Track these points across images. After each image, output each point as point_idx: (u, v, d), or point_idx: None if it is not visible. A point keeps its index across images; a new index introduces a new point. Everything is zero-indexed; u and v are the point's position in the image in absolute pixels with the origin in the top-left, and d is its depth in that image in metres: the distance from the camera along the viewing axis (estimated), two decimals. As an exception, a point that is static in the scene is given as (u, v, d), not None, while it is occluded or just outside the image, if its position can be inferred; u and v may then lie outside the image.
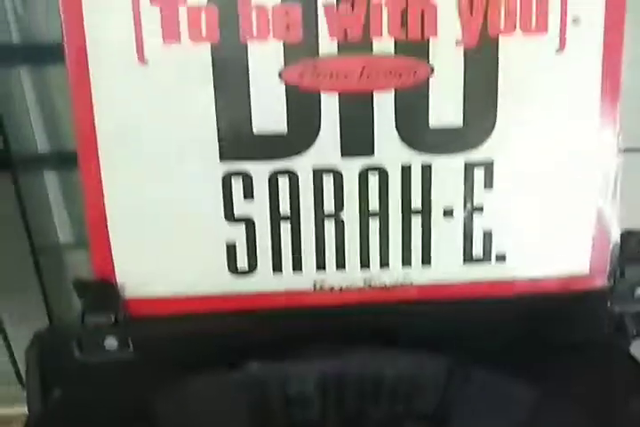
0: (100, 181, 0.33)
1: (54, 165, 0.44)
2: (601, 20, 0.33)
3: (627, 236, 0.36)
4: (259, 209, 0.34)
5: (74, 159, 0.42)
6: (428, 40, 0.32)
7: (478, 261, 0.36)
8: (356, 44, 0.32)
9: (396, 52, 0.32)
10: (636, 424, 0.32)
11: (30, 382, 0.34)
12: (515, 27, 0.32)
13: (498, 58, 0.33)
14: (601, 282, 0.37)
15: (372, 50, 0.32)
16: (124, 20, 0.31)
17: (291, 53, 0.32)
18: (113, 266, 0.34)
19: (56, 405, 0.34)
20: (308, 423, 0.33)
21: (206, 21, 0.31)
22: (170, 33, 0.31)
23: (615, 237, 0.36)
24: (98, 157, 0.32)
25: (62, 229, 0.46)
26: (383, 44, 0.32)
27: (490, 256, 0.36)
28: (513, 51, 0.33)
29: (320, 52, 0.32)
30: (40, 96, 0.41)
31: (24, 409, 0.35)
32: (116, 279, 0.34)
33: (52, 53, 0.39)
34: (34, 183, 0.43)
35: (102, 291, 0.34)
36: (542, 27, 0.32)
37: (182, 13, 0.30)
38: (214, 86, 0.32)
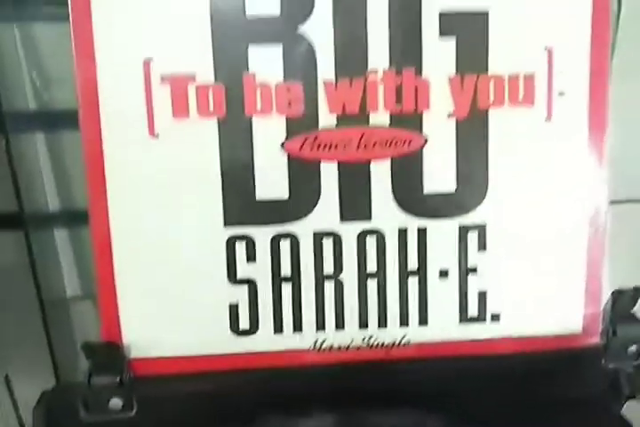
0: (110, 247, 0.34)
1: (64, 222, 0.46)
2: (586, 92, 0.35)
3: (617, 294, 0.37)
4: (261, 271, 0.35)
5: (82, 218, 0.44)
6: (422, 113, 0.34)
7: (474, 320, 0.37)
8: (354, 118, 0.34)
9: (391, 125, 0.34)
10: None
11: None
12: (504, 100, 0.35)
13: (488, 129, 0.35)
14: (594, 340, 0.38)
15: (368, 122, 0.34)
16: (137, 96, 0.33)
17: (292, 126, 0.34)
18: (120, 328, 0.35)
19: None
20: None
21: (214, 98, 0.33)
22: (179, 109, 0.33)
23: (606, 295, 0.38)
24: (108, 222, 0.34)
25: (70, 282, 0.48)
26: (379, 117, 0.34)
27: (485, 316, 0.37)
28: (502, 122, 0.35)
29: (320, 124, 0.34)
30: (53, 159, 0.43)
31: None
32: (122, 341, 0.35)
33: (65, 120, 0.42)
34: (44, 240, 0.45)
35: (109, 353, 0.35)
36: (530, 99, 0.35)
37: (191, 91, 0.33)
38: (220, 157, 0.34)
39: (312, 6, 0.33)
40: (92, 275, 0.47)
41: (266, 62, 0.33)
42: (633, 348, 0.38)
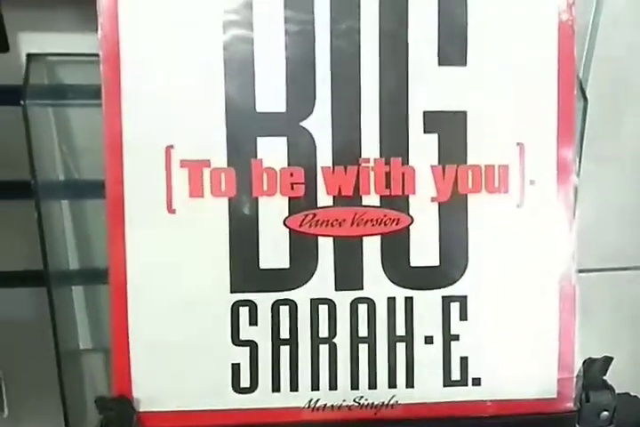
0: (126, 308, 0.39)
1: (81, 281, 0.52)
2: (553, 181, 0.41)
3: (589, 363, 0.42)
4: (262, 334, 0.40)
5: (97, 277, 0.50)
6: (408, 196, 0.40)
7: (456, 383, 0.41)
8: (348, 199, 0.39)
9: (381, 206, 0.40)
10: None
11: None
12: (481, 187, 0.40)
13: (467, 211, 0.40)
14: (568, 405, 0.42)
15: (361, 203, 0.39)
16: (159, 177, 0.38)
17: (294, 205, 0.39)
18: (131, 384, 0.39)
19: None
20: None
21: (225, 180, 0.39)
22: (195, 189, 0.38)
23: (578, 364, 0.42)
24: (126, 286, 0.39)
25: (82, 336, 0.53)
26: (371, 199, 0.40)
27: (466, 380, 0.41)
28: (480, 206, 0.40)
29: (318, 204, 0.39)
30: (76, 225, 0.49)
31: None
32: (132, 395, 0.39)
33: (88, 190, 0.48)
34: (62, 296, 0.50)
35: (120, 406, 0.39)
36: (504, 187, 0.40)
37: (206, 174, 0.39)
38: (229, 232, 0.39)
39: (313, 105, 0.39)
40: (103, 330, 0.53)
41: (272, 151, 0.39)
42: (605, 414, 0.42)
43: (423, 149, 0.40)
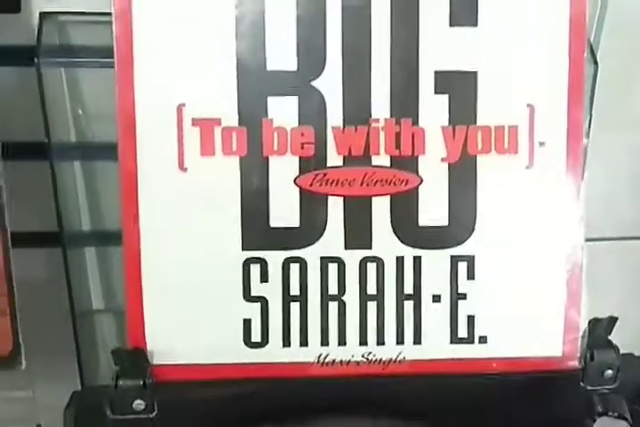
0: (139, 264, 0.41)
1: (93, 242, 0.54)
2: (563, 143, 0.42)
3: (594, 323, 0.44)
4: (272, 290, 0.42)
5: (109, 238, 0.52)
6: (418, 157, 0.41)
7: (463, 341, 0.43)
8: (358, 159, 0.41)
9: (391, 166, 0.41)
10: None
11: None
12: (490, 148, 0.42)
13: (476, 172, 0.42)
14: (573, 364, 0.44)
15: (371, 163, 0.41)
16: (170, 136, 0.40)
17: (304, 165, 0.41)
18: (145, 338, 0.42)
19: None
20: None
21: (236, 139, 0.40)
22: (206, 148, 0.40)
23: (584, 323, 0.44)
24: (139, 242, 0.41)
25: (95, 296, 0.55)
26: (380, 160, 0.41)
27: (473, 338, 0.43)
28: (489, 167, 0.42)
29: (328, 164, 0.41)
30: (87, 186, 0.52)
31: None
32: (146, 348, 0.42)
33: (100, 152, 0.50)
34: (75, 257, 0.53)
35: (134, 359, 0.41)
36: (513, 149, 0.42)
37: (217, 133, 0.40)
38: (240, 191, 0.41)
39: (324, 64, 0.40)
40: (114, 291, 0.55)
41: (283, 110, 0.40)
42: (608, 372, 0.45)
43: (433, 109, 0.41)
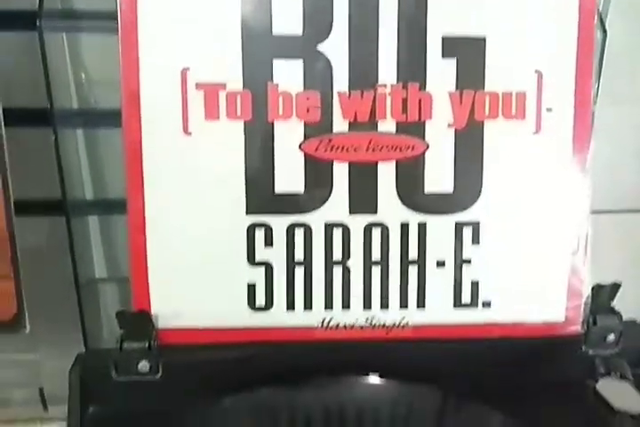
0: (144, 228, 0.41)
1: (96, 211, 0.54)
2: (571, 109, 0.42)
3: (597, 288, 0.44)
4: (277, 255, 0.43)
5: (112, 207, 0.53)
6: (425, 122, 0.41)
7: (466, 306, 0.44)
8: (364, 124, 0.41)
9: (397, 132, 0.41)
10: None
11: (71, 398, 0.42)
12: (498, 114, 0.42)
13: (483, 138, 0.42)
14: (575, 329, 0.45)
15: (377, 129, 0.41)
16: (175, 100, 0.40)
17: (309, 130, 0.41)
18: (149, 301, 0.42)
19: (92, 420, 0.42)
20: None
21: (241, 104, 0.40)
22: (211, 112, 0.40)
23: (587, 289, 0.45)
24: (144, 206, 0.41)
25: (98, 265, 0.56)
26: (386, 125, 0.41)
27: (477, 302, 0.44)
28: (496, 133, 0.42)
29: (334, 129, 0.41)
30: (91, 154, 0.51)
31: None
32: (151, 312, 0.42)
33: (102, 119, 0.50)
34: (78, 225, 0.53)
35: (139, 321, 0.42)
36: (521, 114, 0.42)
37: (222, 97, 0.40)
38: (245, 154, 0.41)
39: (330, 28, 0.40)
40: (117, 260, 0.56)
41: (288, 74, 0.40)
42: (611, 337, 0.45)
43: (441, 74, 0.41)
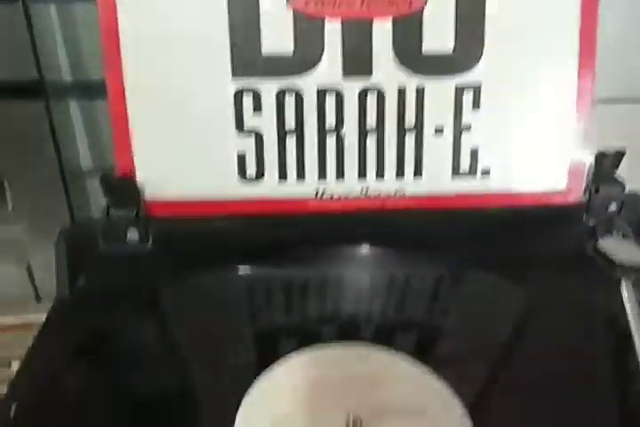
0: (123, 86, 0.40)
1: (77, 95, 0.52)
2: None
3: (601, 156, 0.43)
4: (267, 123, 0.41)
5: (95, 90, 0.50)
6: (423, -27, 0.39)
7: (465, 174, 0.43)
8: None
9: None
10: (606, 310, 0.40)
11: (59, 270, 0.41)
12: (503, -32, 0.39)
13: None
14: (577, 198, 0.44)
15: None
16: None
17: None
18: (134, 168, 0.41)
19: (81, 291, 0.41)
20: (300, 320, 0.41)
21: None
22: None
23: (591, 156, 0.44)
24: (122, 74, 0.40)
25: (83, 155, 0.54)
26: (382, -23, 0.39)
27: (476, 171, 0.43)
28: None
29: None
30: (67, 33, 0.49)
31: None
32: (136, 182, 0.41)
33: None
34: (61, 111, 0.51)
35: (125, 187, 0.41)
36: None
37: None
38: (228, 12, 0.39)
39: None
40: (104, 148, 0.54)
41: None
42: (613, 206, 0.45)
43: None
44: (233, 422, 0.31)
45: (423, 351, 0.37)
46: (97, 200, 0.54)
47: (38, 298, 0.54)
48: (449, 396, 0.33)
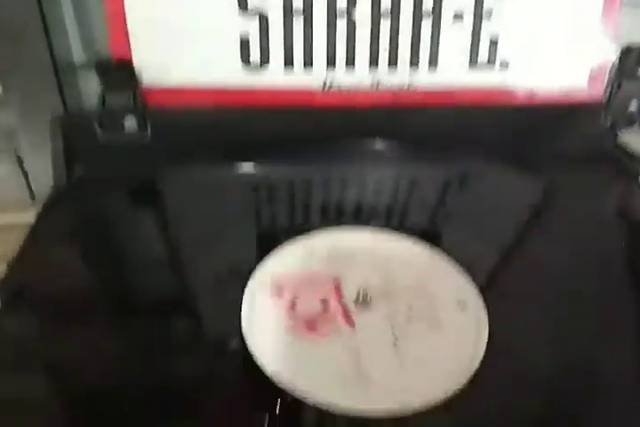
0: None
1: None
2: None
3: (626, 51, 0.41)
4: (272, 4, 0.38)
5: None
6: None
7: (483, 66, 0.41)
8: None
9: None
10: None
11: (55, 159, 0.39)
12: None
13: None
14: (598, 95, 0.42)
15: None
16: None
17: None
18: (129, 50, 0.38)
19: (78, 181, 0.39)
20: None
21: None
22: None
23: (614, 55, 0.41)
24: None
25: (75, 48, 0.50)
26: None
27: (494, 62, 0.40)
28: None
29: None
30: None
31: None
32: (132, 65, 0.38)
33: None
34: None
35: (121, 71, 0.38)
36: None
37: None
38: None
39: None
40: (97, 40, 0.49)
41: None
42: (633, 104, 0.43)
43: None
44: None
45: (435, 236, 0.36)
46: (90, 98, 0.50)
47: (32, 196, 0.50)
48: (459, 276, 0.32)
